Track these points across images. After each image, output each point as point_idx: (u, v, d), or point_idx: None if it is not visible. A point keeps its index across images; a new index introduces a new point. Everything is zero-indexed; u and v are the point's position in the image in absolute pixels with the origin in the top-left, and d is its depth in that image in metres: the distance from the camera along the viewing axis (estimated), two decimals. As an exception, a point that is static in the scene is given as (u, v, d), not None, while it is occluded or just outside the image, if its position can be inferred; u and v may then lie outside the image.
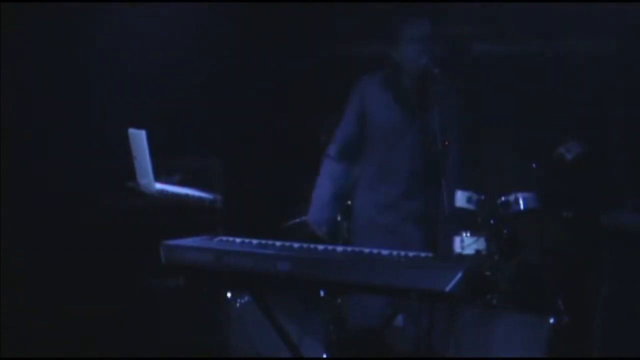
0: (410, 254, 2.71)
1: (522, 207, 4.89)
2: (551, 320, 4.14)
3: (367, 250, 2.79)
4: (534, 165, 5.03)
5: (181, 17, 5.18)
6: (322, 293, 4.31)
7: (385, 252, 2.75)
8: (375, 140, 3.62)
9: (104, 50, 4.87)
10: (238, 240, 2.94)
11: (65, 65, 4.72)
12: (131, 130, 3.80)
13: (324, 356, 4.24)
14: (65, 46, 4.72)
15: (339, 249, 2.81)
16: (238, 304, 4.35)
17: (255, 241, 2.91)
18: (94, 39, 4.82)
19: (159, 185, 3.83)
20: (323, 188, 3.83)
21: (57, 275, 4.56)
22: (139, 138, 3.68)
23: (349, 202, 5.06)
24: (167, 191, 3.85)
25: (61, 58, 4.71)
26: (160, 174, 3.92)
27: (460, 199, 4.93)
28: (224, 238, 2.98)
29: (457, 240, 4.86)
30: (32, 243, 4.52)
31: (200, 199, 3.78)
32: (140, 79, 4.93)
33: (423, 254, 2.70)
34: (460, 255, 4.63)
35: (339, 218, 5.12)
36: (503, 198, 4.93)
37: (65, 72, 4.72)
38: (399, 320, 3.81)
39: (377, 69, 3.82)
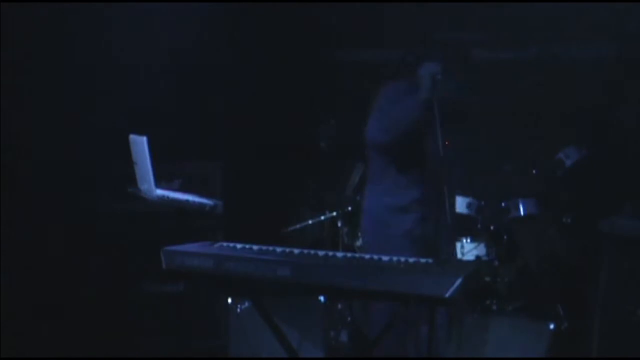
0: (411, 259, 2.71)
1: (521, 212, 4.91)
2: (551, 326, 4.14)
3: (367, 256, 2.80)
4: (533, 171, 5.05)
5: (182, 22, 5.19)
6: (322, 299, 4.31)
7: (385, 258, 2.76)
8: (395, 145, 3.61)
9: (106, 55, 4.87)
10: (238, 246, 2.95)
11: (66, 69, 4.72)
12: (132, 136, 3.81)
13: (324, 361, 4.24)
14: (67, 49, 4.72)
15: (339, 254, 2.81)
16: (238, 310, 4.36)
17: (255, 247, 2.92)
18: (96, 42, 4.83)
19: (159, 191, 3.84)
20: None
21: (58, 279, 4.56)
22: (139, 144, 3.70)
23: (350, 208, 5.09)
24: (168, 197, 3.86)
25: (62, 61, 4.72)
26: (160, 180, 3.93)
27: (460, 205, 4.95)
28: (225, 244, 2.98)
29: (457, 245, 4.88)
30: (33, 247, 4.52)
31: (200, 204, 3.79)
32: (141, 84, 4.94)
33: (423, 260, 2.71)
34: (460, 260, 4.64)
35: (339, 224, 5.14)
36: (503, 204, 4.95)
37: (66, 76, 4.73)
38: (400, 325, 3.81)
39: (395, 74, 3.82)
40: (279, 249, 2.88)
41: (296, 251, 2.84)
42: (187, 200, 3.85)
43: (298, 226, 5.26)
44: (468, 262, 4.76)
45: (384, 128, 3.56)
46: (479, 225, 5.01)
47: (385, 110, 3.59)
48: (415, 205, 3.65)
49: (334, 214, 5.16)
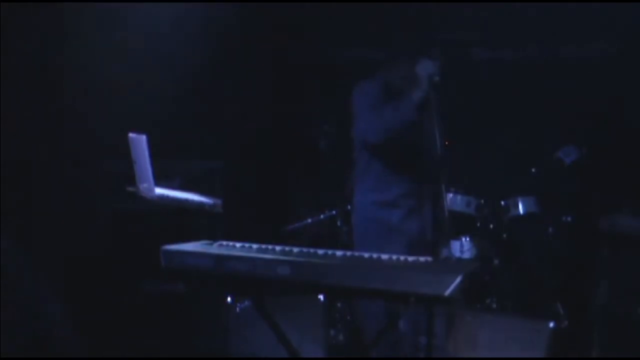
0: (410, 258, 2.71)
1: (521, 211, 4.91)
2: (550, 324, 4.15)
3: (366, 255, 2.79)
4: (533, 170, 5.05)
5: (181, 21, 5.19)
6: (321, 298, 4.31)
7: (384, 256, 2.76)
8: (387, 145, 3.61)
9: (105, 53, 4.88)
10: (238, 244, 2.95)
11: (65, 68, 4.73)
12: (131, 135, 3.81)
13: (324, 360, 4.24)
14: (66, 48, 4.73)
15: (339, 253, 2.81)
16: (238, 309, 4.36)
17: (255, 245, 2.92)
18: (95, 41, 4.83)
19: (158, 190, 3.84)
20: None
21: (57, 279, 4.56)
22: (139, 142, 3.69)
23: (349, 207, 5.09)
24: (167, 196, 3.86)
25: (61, 60, 4.72)
26: (160, 179, 3.93)
27: (460, 203, 4.95)
28: (224, 242, 2.98)
29: (456, 244, 4.88)
30: (32, 247, 4.52)
31: (200, 203, 3.79)
32: (140, 83, 4.94)
33: (422, 258, 2.71)
34: (459, 259, 4.64)
35: (338, 223, 5.14)
36: (502, 202, 4.95)
37: (65, 75, 4.73)
38: (400, 324, 3.82)
39: (374, 73, 3.81)
40: (278, 248, 2.88)
41: (296, 250, 2.84)
42: (186, 199, 3.85)
43: (297, 225, 5.26)
44: (467, 260, 4.77)
45: (376, 129, 3.53)
46: (478, 224, 5.01)
47: (375, 110, 3.57)
48: (402, 200, 3.66)
49: (334, 212, 5.17)
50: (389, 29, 5.49)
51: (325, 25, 5.86)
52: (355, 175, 3.87)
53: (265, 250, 2.84)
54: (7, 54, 4.39)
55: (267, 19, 5.66)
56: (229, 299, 4.39)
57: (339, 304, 4.84)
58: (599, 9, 5.10)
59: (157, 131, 3.80)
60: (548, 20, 5.45)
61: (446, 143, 3.45)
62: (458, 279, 2.40)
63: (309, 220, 5.27)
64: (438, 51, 3.63)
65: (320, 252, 2.80)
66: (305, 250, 2.83)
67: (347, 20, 5.71)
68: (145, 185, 3.79)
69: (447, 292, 2.39)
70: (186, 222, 3.86)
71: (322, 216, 5.23)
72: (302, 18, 5.77)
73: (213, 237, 3.10)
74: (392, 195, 3.67)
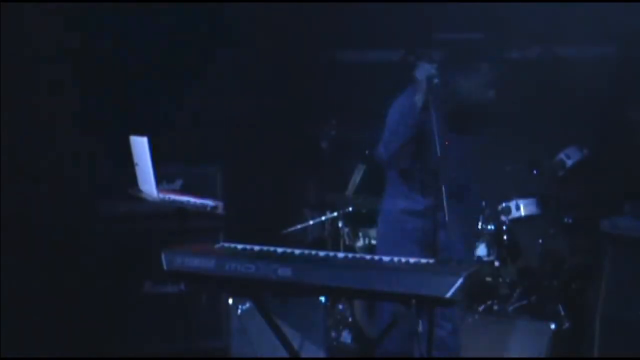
0: (412, 260, 2.72)
1: (522, 213, 4.91)
2: (552, 326, 4.15)
3: (367, 257, 2.80)
4: (534, 172, 5.04)
5: (182, 23, 5.19)
6: (323, 299, 4.32)
7: (386, 258, 2.76)
8: (396, 159, 3.62)
9: (106, 55, 4.88)
10: (239, 246, 2.96)
11: (66, 70, 4.73)
12: (133, 137, 3.81)
13: (325, 362, 4.25)
14: (67, 49, 4.73)
15: (340, 255, 2.82)
16: (239, 311, 4.36)
17: (256, 247, 2.93)
18: (96, 43, 4.84)
19: (160, 193, 3.83)
20: None
21: (58, 281, 4.57)
22: (141, 145, 3.69)
23: (350, 208, 5.10)
24: (169, 198, 3.86)
25: (62, 62, 4.72)
26: (162, 181, 3.93)
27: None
28: (225, 244, 2.99)
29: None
30: (34, 248, 4.53)
31: (201, 205, 3.79)
32: (142, 86, 4.95)
33: (424, 260, 2.72)
34: (460, 261, 4.64)
35: (339, 224, 5.15)
36: (503, 204, 4.95)
37: (66, 77, 4.73)
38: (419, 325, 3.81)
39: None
40: (279, 250, 2.88)
41: (297, 252, 2.84)
42: (188, 201, 3.85)
43: (299, 227, 5.27)
44: (469, 262, 4.76)
45: (385, 143, 3.56)
46: (479, 226, 5.01)
47: (391, 131, 3.61)
48: (430, 212, 3.66)
49: (335, 214, 5.17)
50: (389, 29, 5.51)
51: (326, 25, 5.86)
52: (387, 181, 3.87)
53: (267, 253, 2.85)
54: (7, 52, 4.40)
55: (268, 19, 5.67)
56: (230, 301, 4.40)
57: (340, 306, 4.85)
58: (601, 8, 5.09)
59: (158, 133, 3.80)
60: (551, 21, 5.45)
61: (446, 143, 3.44)
62: (459, 281, 2.41)
63: (311, 222, 5.28)
64: (439, 53, 3.63)
65: (322, 254, 2.81)
66: (306, 252, 2.84)
67: (347, 20, 5.71)
68: (147, 187, 3.79)
69: (449, 294, 2.40)
70: (188, 224, 3.86)
71: (323, 218, 5.24)
72: (303, 17, 5.77)
73: (215, 239, 3.10)
74: (421, 206, 3.67)
